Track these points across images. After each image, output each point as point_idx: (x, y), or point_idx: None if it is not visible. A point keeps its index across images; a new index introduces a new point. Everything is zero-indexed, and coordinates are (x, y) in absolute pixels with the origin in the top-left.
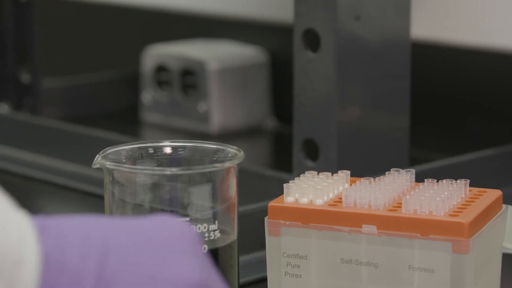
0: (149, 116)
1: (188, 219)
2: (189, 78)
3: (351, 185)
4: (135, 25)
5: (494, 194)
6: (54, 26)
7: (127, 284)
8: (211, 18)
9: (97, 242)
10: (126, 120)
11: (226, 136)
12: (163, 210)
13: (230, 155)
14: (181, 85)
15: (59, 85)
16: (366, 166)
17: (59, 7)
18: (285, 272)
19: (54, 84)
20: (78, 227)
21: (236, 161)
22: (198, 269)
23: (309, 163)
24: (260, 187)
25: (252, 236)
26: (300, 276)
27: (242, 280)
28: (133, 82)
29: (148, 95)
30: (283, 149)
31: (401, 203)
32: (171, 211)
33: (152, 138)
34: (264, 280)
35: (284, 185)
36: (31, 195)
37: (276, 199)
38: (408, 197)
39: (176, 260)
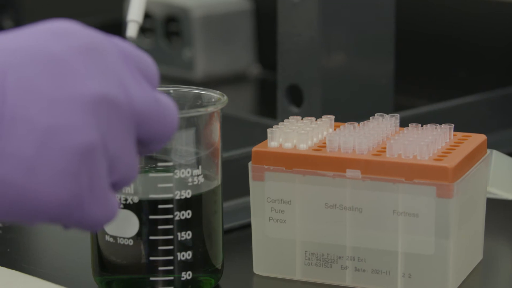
0: None
1: (171, 164)
2: (173, 25)
3: (335, 130)
4: None
5: (478, 138)
6: None
7: (30, 111)
8: None
9: None
10: None
11: (210, 83)
12: (146, 157)
13: (213, 99)
14: (165, 32)
15: None
16: (350, 112)
17: None
18: (269, 217)
19: None
20: None
21: (219, 106)
22: (101, 84)
23: (294, 108)
24: (244, 133)
25: (236, 181)
26: (284, 221)
27: (226, 226)
28: (116, 29)
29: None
30: (268, 95)
31: (385, 148)
32: (154, 157)
33: None
34: (248, 225)
35: (268, 130)
36: None
37: (259, 144)
38: (392, 141)
39: (76, 77)
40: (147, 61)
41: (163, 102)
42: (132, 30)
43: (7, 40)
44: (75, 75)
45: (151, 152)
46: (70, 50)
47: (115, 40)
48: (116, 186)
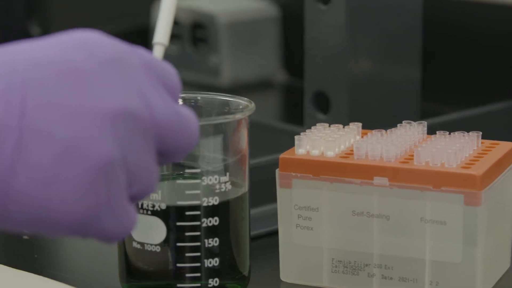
0: None
1: (199, 170)
2: (200, 32)
3: (362, 137)
4: None
5: (506, 146)
6: None
7: (50, 124)
8: None
9: (17, 82)
10: None
11: (236, 89)
12: (173, 164)
13: (241, 106)
14: (191, 39)
15: None
16: (377, 119)
17: None
18: (297, 224)
19: None
20: (1, 62)
21: (247, 113)
22: (123, 98)
23: (320, 115)
24: (271, 140)
25: (264, 188)
26: (312, 228)
27: (253, 233)
28: (143, 35)
29: None
30: (294, 102)
31: (412, 155)
32: (182, 164)
33: None
34: (275, 232)
35: (296, 137)
36: None
37: (287, 151)
38: (419, 149)
39: (98, 90)
40: (170, 73)
41: (184, 115)
42: (158, 53)
43: (30, 50)
44: (97, 88)
45: (171, 162)
46: (93, 62)
47: (138, 51)
48: (135, 198)
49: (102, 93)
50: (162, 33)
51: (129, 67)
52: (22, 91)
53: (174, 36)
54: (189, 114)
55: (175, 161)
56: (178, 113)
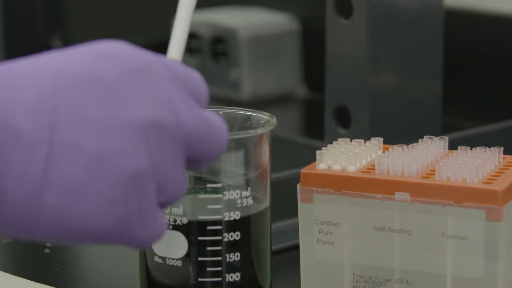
0: None
1: (220, 185)
2: (220, 46)
3: (383, 152)
4: None
5: None
6: None
7: (80, 137)
8: None
9: (46, 95)
10: None
11: (257, 104)
12: (194, 177)
13: (262, 121)
14: (212, 53)
15: None
16: (398, 133)
17: None
18: (318, 239)
19: None
20: (29, 75)
21: (269, 128)
22: (151, 108)
23: (341, 130)
24: (290, 154)
25: (284, 203)
26: (333, 243)
27: (274, 247)
28: (162, 49)
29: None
30: (314, 116)
31: (434, 171)
32: (203, 178)
33: None
34: (296, 247)
35: (317, 151)
36: None
37: (308, 166)
38: (441, 164)
39: (125, 101)
40: (197, 80)
41: (212, 122)
42: None
43: (56, 62)
44: (124, 99)
45: (202, 167)
46: (119, 73)
47: (164, 60)
48: (165, 205)
49: (130, 104)
50: (175, 48)
51: (156, 77)
52: (51, 104)
53: (195, 50)
54: (217, 120)
55: (205, 167)
56: (206, 120)
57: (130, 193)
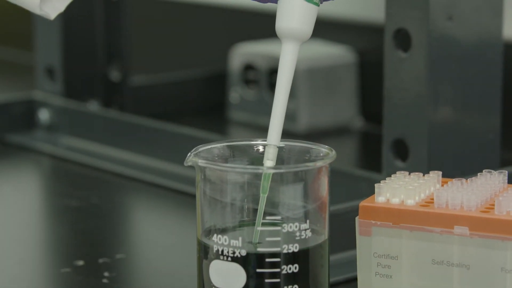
0: (236, 115)
1: (279, 217)
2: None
3: (442, 185)
4: (223, 24)
5: None
6: (143, 24)
7: None
8: None
9: None
10: (213, 118)
11: (313, 136)
12: (254, 210)
13: (322, 154)
14: (268, 84)
15: (148, 82)
16: (456, 167)
17: (148, 5)
18: (376, 272)
19: (143, 81)
20: None
21: (328, 161)
22: None
23: (399, 163)
24: (349, 187)
25: (343, 235)
26: (391, 276)
27: (332, 280)
28: (220, 80)
29: (235, 94)
30: (371, 149)
31: (493, 205)
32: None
33: (240, 137)
34: (354, 280)
35: (376, 185)
36: (121, 192)
37: (367, 199)
38: (501, 198)
39: None
40: None
41: None
42: (271, 154)
43: None
44: None
45: None
46: None
47: None
48: None
49: None
50: (274, 135)
51: None
52: None
53: (251, 81)
54: None
55: None
56: None
57: None
